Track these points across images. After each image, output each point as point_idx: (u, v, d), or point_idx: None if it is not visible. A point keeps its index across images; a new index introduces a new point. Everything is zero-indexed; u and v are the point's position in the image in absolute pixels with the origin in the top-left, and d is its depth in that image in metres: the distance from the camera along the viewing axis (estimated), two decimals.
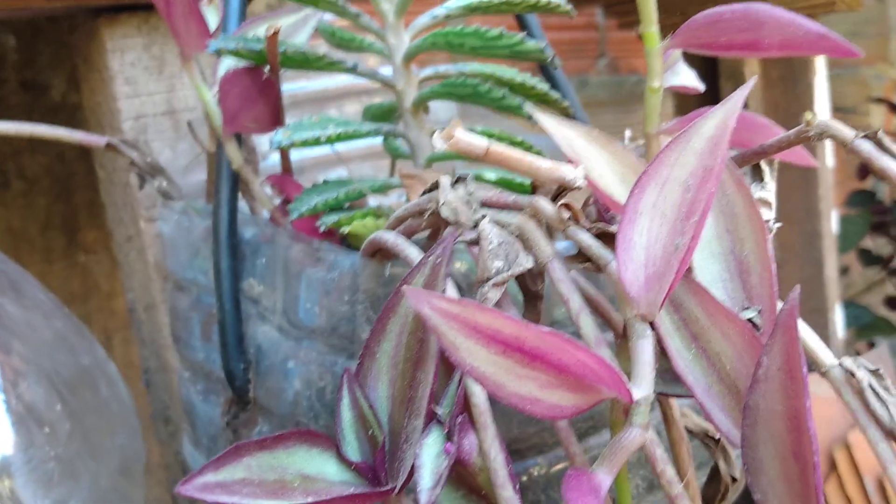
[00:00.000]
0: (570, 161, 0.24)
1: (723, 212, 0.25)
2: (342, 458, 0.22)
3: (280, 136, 0.28)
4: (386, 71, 0.35)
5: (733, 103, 0.22)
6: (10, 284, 0.42)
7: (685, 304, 0.23)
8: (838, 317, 1.08)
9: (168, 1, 0.30)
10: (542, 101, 0.36)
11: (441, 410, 0.21)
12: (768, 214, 0.32)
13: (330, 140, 0.29)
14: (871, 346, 1.16)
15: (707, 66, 1.07)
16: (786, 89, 1.03)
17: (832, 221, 1.06)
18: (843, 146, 0.25)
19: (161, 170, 0.44)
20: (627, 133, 0.39)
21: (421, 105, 0.33)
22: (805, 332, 0.25)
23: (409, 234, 0.28)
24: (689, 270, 0.24)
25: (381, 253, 0.28)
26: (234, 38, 0.29)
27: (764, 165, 0.33)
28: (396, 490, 0.21)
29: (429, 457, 0.21)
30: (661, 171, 0.21)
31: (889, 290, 1.48)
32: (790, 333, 0.20)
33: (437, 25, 0.34)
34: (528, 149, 0.32)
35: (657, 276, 0.21)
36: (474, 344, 0.18)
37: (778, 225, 0.33)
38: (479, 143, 0.22)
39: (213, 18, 0.35)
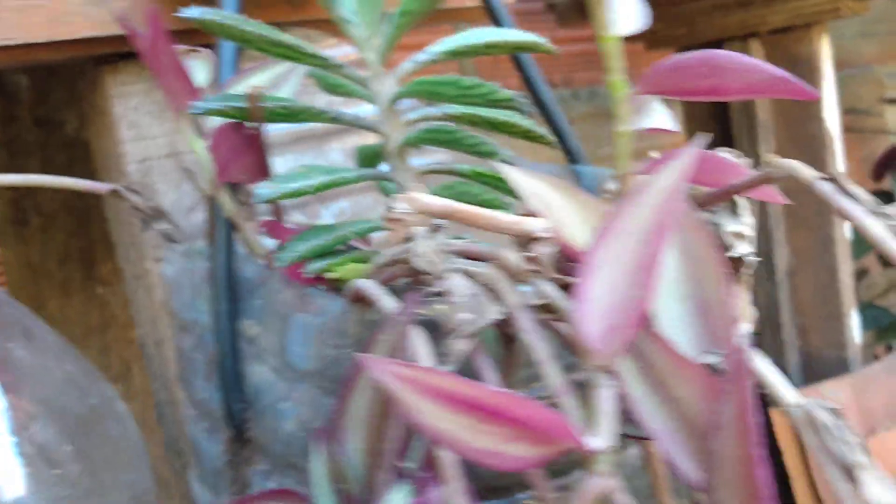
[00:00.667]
0: (532, 214, 0.24)
1: (686, 256, 0.25)
2: None
3: (265, 189, 0.29)
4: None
5: (686, 160, 0.23)
6: (22, 330, 0.43)
7: (648, 354, 0.23)
8: (854, 322, 1.07)
9: (153, 61, 0.31)
10: (527, 137, 0.37)
11: (408, 465, 0.22)
12: (745, 248, 0.33)
13: (316, 189, 0.30)
14: (889, 349, 1.15)
15: None
16: None
17: (845, 227, 1.05)
18: (805, 186, 0.26)
19: (163, 213, 0.45)
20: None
21: (405, 148, 0.34)
22: (767, 370, 0.25)
23: (388, 281, 0.29)
24: (651, 319, 0.24)
25: (364, 299, 0.29)
26: (218, 97, 0.30)
27: (739, 200, 0.34)
28: None
29: None
30: (620, 224, 0.22)
31: None
32: (740, 383, 0.21)
33: (421, 70, 0.35)
34: (500, 183, 0.33)
35: (615, 328, 0.22)
36: (433, 406, 0.19)
37: (756, 259, 0.33)
38: (439, 204, 0.23)
39: (202, 72, 0.36)
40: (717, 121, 1.08)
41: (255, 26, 0.28)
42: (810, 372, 1.08)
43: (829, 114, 1.03)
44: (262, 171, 0.32)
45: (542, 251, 0.24)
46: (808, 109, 1.02)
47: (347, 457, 0.24)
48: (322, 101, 0.48)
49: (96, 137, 0.56)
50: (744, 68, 0.24)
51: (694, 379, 0.23)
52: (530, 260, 0.25)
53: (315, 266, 0.31)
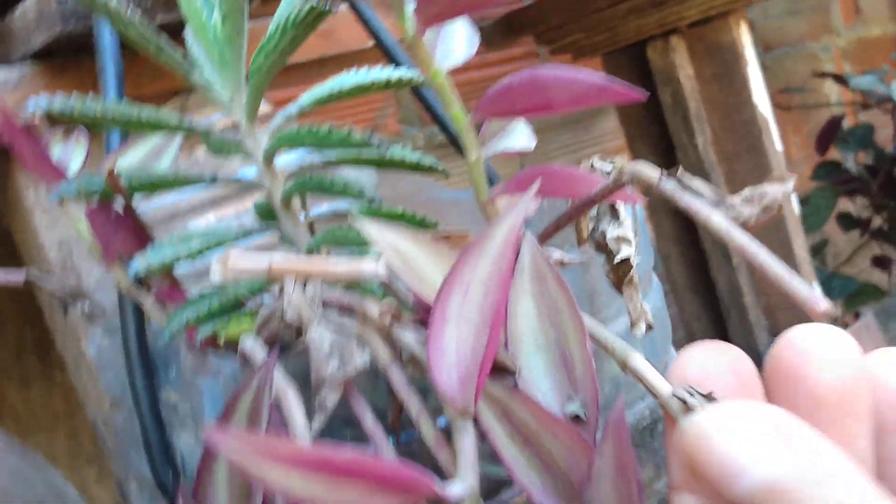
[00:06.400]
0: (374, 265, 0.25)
1: (546, 307, 0.26)
2: None
3: (138, 262, 0.30)
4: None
5: (519, 211, 0.23)
6: None
7: (516, 412, 0.24)
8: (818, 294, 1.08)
9: (19, 153, 0.32)
10: (417, 169, 0.37)
11: None
12: (628, 251, 0.34)
13: (192, 255, 0.31)
14: (857, 316, 1.16)
15: (641, 74, 1.08)
16: (722, 85, 1.05)
17: (792, 203, 1.07)
18: (651, 186, 0.26)
19: (82, 293, 0.46)
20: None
21: (288, 199, 0.35)
22: (643, 367, 0.26)
23: (272, 337, 0.29)
24: (517, 373, 0.25)
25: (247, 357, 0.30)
26: (78, 181, 0.30)
27: (619, 205, 0.34)
28: None
29: None
30: (462, 276, 0.23)
31: (875, 251, 1.48)
32: (620, 435, 0.21)
33: (292, 122, 0.35)
34: (401, 216, 0.34)
35: (468, 375, 0.22)
36: (284, 471, 0.19)
37: (638, 260, 0.34)
38: (257, 265, 0.24)
39: (78, 155, 0.36)
40: (652, 120, 1.09)
41: (106, 108, 0.28)
42: None
43: (759, 97, 1.04)
44: (142, 244, 0.32)
45: (391, 305, 0.25)
46: (739, 96, 1.04)
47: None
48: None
49: (17, 229, 0.56)
50: (566, 83, 0.25)
51: (559, 431, 0.23)
52: (389, 311, 0.25)
53: (203, 331, 0.31)
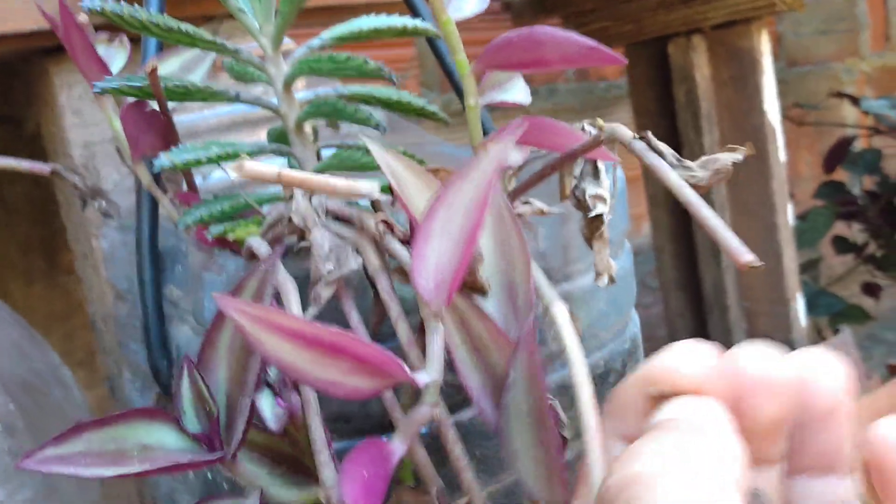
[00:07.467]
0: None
1: (501, 241, 0.29)
2: (182, 430, 0.27)
3: (162, 159, 0.33)
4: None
5: (500, 148, 0.27)
6: None
7: (472, 324, 0.28)
8: (800, 306, 1.11)
9: (70, 48, 0.35)
10: (421, 114, 0.40)
11: (271, 378, 0.26)
12: (602, 208, 0.37)
13: (211, 160, 0.34)
14: (836, 332, 1.20)
15: (660, 69, 1.11)
16: (736, 89, 1.07)
17: (788, 214, 1.09)
18: (624, 146, 0.30)
19: (100, 192, 0.49)
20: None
21: (301, 125, 0.38)
22: (561, 315, 0.29)
23: (276, 239, 0.33)
24: (486, 292, 0.29)
25: (255, 255, 0.33)
26: (118, 78, 0.34)
27: (600, 164, 0.38)
28: (230, 455, 0.26)
29: (266, 406, 0.26)
30: (448, 198, 0.26)
31: (867, 277, 1.51)
32: (530, 349, 0.25)
33: (314, 54, 0.39)
34: (352, 158, 0.37)
35: (444, 283, 0.26)
36: (278, 340, 0.23)
37: (610, 217, 0.37)
38: (268, 171, 0.27)
39: (120, 58, 0.39)
40: (664, 114, 1.12)
41: (151, 17, 0.31)
42: None
43: (770, 106, 1.07)
44: (168, 146, 0.35)
45: (386, 217, 0.28)
46: (751, 101, 1.06)
47: (215, 384, 0.27)
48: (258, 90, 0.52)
49: (46, 126, 0.59)
50: (560, 41, 0.28)
51: (500, 344, 0.27)
52: (384, 223, 0.29)
53: (214, 230, 0.35)
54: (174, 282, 0.43)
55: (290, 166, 0.41)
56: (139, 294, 0.42)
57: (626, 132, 0.30)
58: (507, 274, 0.29)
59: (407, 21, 0.37)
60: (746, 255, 0.24)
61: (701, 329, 1.14)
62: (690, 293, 1.15)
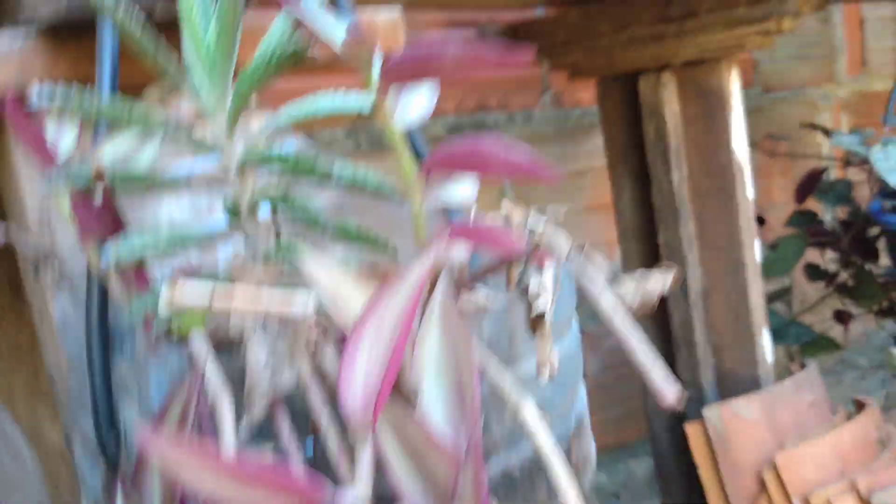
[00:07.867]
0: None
1: (450, 340, 0.29)
2: None
3: (109, 252, 0.33)
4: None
5: (427, 261, 0.27)
6: None
7: (409, 431, 0.28)
8: (766, 341, 1.12)
9: (15, 131, 0.35)
10: (377, 195, 0.41)
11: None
12: (544, 305, 0.37)
13: (158, 252, 0.34)
14: (803, 366, 1.21)
15: (631, 104, 1.12)
16: (705, 126, 1.08)
17: (755, 250, 1.11)
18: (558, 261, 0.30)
19: (53, 255, 0.49)
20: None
21: (254, 208, 0.38)
22: (531, 417, 0.29)
23: (218, 341, 0.33)
24: (414, 396, 0.29)
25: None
26: (67, 173, 0.34)
27: (546, 261, 0.38)
28: None
29: None
30: (377, 310, 0.26)
31: (839, 304, 1.52)
32: (476, 455, 0.25)
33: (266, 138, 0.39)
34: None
35: (371, 397, 0.26)
36: (199, 473, 0.23)
37: (552, 309, 0.37)
38: (201, 301, 0.27)
39: (72, 131, 0.39)
40: (634, 148, 1.13)
41: (101, 106, 0.31)
42: (724, 389, 1.13)
43: (738, 143, 1.08)
44: (116, 229, 0.36)
45: (321, 322, 0.28)
46: (719, 139, 1.07)
47: (148, 495, 0.27)
48: None
49: (5, 183, 0.59)
50: (498, 157, 0.29)
51: (440, 450, 0.27)
52: (318, 328, 0.29)
53: (160, 323, 0.35)
54: (125, 359, 0.42)
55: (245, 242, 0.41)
56: (87, 372, 0.42)
57: (563, 245, 0.30)
58: (455, 373, 0.29)
59: (356, 104, 0.37)
60: (670, 395, 0.24)
61: (669, 364, 1.15)
62: (658, 328, 1.15)
